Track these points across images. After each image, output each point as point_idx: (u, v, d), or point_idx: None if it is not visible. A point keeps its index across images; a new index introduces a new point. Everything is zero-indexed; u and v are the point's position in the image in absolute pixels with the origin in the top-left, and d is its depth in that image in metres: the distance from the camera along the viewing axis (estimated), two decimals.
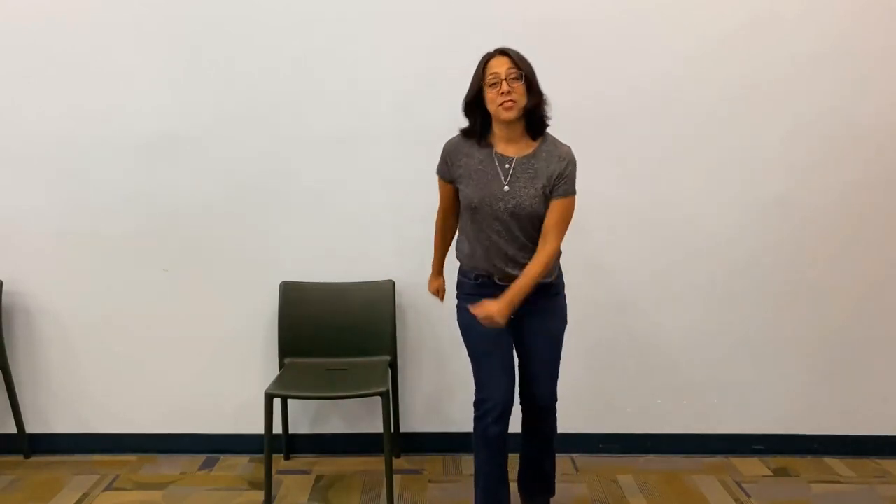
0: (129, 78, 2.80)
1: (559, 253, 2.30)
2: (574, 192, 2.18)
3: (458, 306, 2.35)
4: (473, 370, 2.30)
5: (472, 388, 2.36)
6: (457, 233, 2.39)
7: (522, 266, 2.18)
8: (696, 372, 3.00)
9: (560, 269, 2.34)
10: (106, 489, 2.73)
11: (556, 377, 2.35)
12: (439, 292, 2.53)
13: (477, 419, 2.28)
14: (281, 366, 2.84)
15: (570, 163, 2.15)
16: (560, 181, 2.14)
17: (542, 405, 2.35)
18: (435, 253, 2.50)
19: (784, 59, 2.80)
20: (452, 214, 2.38)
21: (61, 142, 2.83)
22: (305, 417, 3.02)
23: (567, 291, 2.38)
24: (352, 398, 2.82)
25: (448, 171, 2.27)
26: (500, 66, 2.09)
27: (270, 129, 2.84)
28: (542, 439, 2.42)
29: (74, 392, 2.98)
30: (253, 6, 2.78)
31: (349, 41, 2.80)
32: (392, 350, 2.86)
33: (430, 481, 2.81)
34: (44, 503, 2.63)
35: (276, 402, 2.79)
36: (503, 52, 2.12)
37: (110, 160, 2.85)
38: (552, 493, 2.52)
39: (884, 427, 3.02)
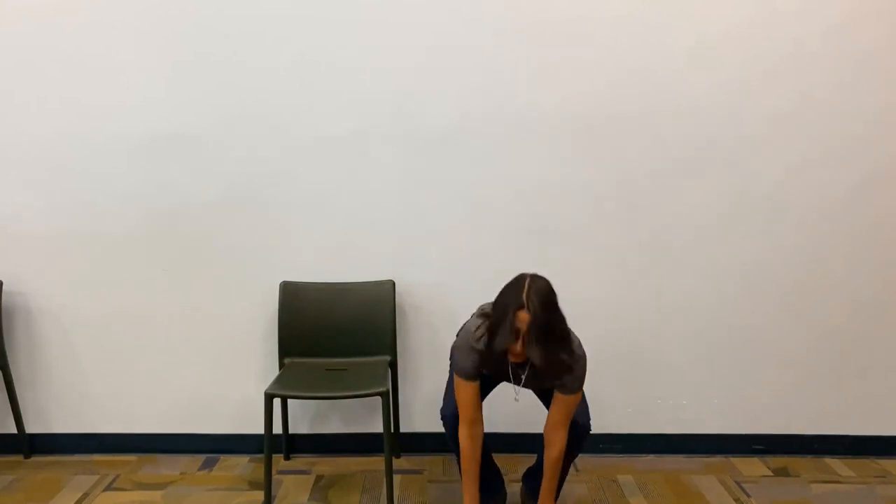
0: (129, 77, 2.80)
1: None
2: (579, 390, 2.22)
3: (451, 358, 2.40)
4: (446, 388, 2.40)
5: None
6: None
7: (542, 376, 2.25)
8: (696, 372, 3.00)
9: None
10: (106, 489, 2.73)
11: (585, 405, 2.36)
12: None
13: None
14: (281, 366, 2.84)
15: (575, 368, 2.18)
16: (564, 382, 2.19)
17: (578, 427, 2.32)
18: (466, 487, 2.30)
19: (784, 59, 2.80)
20: (479, 422, 2.29)
21: (61, 141, 2.83)
22: (305, 417, 3.03)
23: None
24: (352, 398, 2.81)
25: (475, 369, 2.24)
26: (523, 322, 2.06)
27: (270, 128, 2.84)
28: (566, 451, 2.36)
29: (74, 392, 2.98)
30: (253, 6, 2.78)
31: (349, 41, 2.80)
32: (392, 350, 2.86)
33: (430, 481, 2.81)
34: (44, 503, 2.63)
35: (276, 402, 2.79)
36: (530, 308, 2.06)
37: (110, 160, 2.85)
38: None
39: (884, 427, 3.02)
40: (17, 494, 2.69)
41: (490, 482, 2.51)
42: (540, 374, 2.18)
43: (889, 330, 2.97)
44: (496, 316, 2.12)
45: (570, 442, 2.30)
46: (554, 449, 2.26)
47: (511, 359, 2.13)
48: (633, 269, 2.93)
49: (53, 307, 2.93)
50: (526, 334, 2.05)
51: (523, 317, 2.06)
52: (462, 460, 2.29)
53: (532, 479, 2.51)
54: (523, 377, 2.23)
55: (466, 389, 2.25)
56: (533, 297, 2.06)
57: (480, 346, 2.20)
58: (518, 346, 2.06)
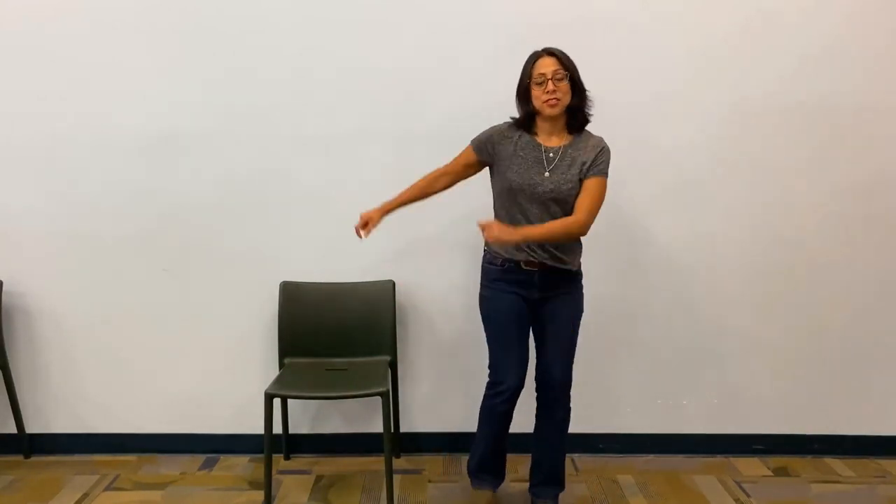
0: (128, 78, 2.80)
1: (580, 242, 2.39)
2: (605, 175, 2.30)
3: (481, 294, 2.44)
4: (490, 354, 2.40)
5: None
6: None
7: (553, 249, 2.30)
8: (696, 372, 3.00)
9: (580, 261, 2.41)
10: (106, 489, 2.73)
11: (572, 359, 2.41)
12: (367, 224, 2.43)
13: (487, 397, 2.41)
14: (281, 366, 2.84)
15: (602, 150, 2.30)
16: (593, 165, 2.29)
17: (557, 381, 2.39)
18: (398, 196, 2.47)
19: (786, 58, 2.80)
20: (446, 180, 2.44)
21: (61, 142, 2.83)
22: (305, 417, 3.02)
23: None
24: (352, 398, 2.82)
25: (484, 148, 2.35)
26: (547, 67, 2.23)
27: (270, 128, 2.85)
28: (556, 424, 2.44)
29: (74, 392, 2.98)
30: (253, 6, 2.78)
31: (349, 41, 2.80)
32: (392, 350, 2.86)
33: (430, 481, 2.81)
34: (44, 503, 2.63)
35: (276, 402, 2.79)
36: (550, 52, 2.26)
37: (110, 160, 2.85)
38: (562, 486, 2.53)
39: (884, 427, 3.02)
40: (17, 494, 2.69)
41: (500, 461, 2.55)
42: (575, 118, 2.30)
43: (889, 330, 2.97)
44: (518, 88, 2.30)
45: (552, 403, 2.40)
46: (562, 220, 2.28)
47: (546, 108, 2.23)
48: (635, 270, 2.93)
49: (53, 307, 2.93)
50: (552, 76, 2.21)
51: (545, 62, 2.24)
52: (415, 184, 2.45)
53: (534, 472, 2.53)
54: (552, 158, 2.28)
55: (466, 154, 2.40)
56: (549, 49, 2.26)
57: (506, 125, 2.35)
58: (548, 86, 2.20)
